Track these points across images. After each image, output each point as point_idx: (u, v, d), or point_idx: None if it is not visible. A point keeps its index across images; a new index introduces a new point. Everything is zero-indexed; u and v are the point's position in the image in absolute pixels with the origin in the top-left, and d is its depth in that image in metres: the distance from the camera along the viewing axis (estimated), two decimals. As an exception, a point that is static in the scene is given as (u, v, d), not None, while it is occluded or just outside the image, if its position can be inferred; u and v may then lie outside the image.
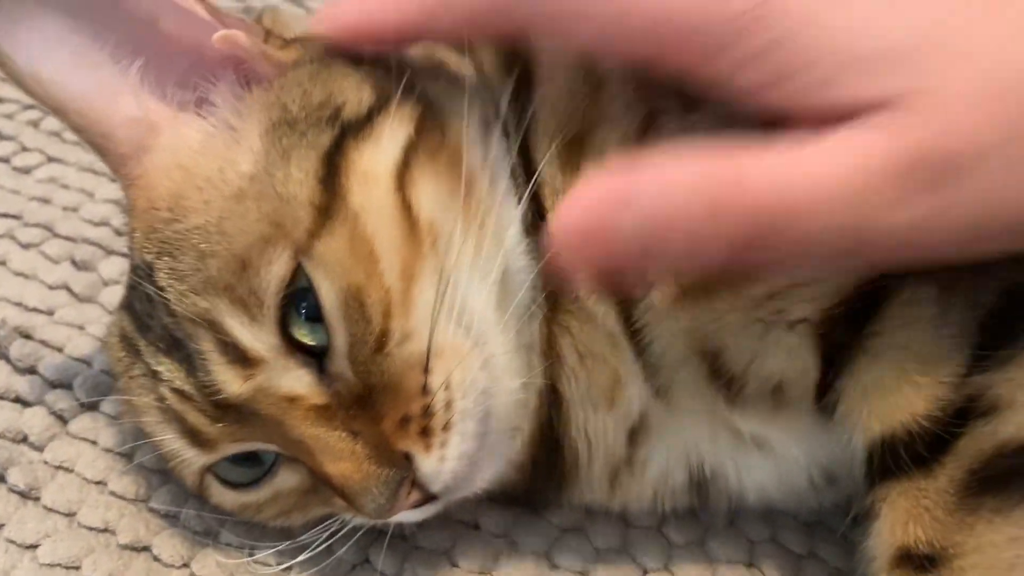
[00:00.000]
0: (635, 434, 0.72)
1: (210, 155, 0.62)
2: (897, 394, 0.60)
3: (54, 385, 0.86)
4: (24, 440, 0.82)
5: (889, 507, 0.60)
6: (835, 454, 0.66)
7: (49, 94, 0.62)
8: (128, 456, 0.81)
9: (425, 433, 0.62)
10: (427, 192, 0.63)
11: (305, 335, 0.61)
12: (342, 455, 0.61)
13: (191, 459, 0.67)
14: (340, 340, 0.60)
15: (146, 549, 0.75)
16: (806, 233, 0.47)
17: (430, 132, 0.64)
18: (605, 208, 0.48)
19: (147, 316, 0.65)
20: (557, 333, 0.69)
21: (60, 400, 0.84)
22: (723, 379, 0.65)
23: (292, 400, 0.61)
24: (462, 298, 0.63)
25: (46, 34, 0.60)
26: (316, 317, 0.60)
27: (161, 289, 0.62)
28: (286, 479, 0.68)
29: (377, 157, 0.62)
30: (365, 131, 0.62)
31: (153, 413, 0.67)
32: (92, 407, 0.85)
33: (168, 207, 0.62)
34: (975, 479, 0.58)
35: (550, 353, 0.70)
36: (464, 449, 0.63)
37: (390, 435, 0.61)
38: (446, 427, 0.62)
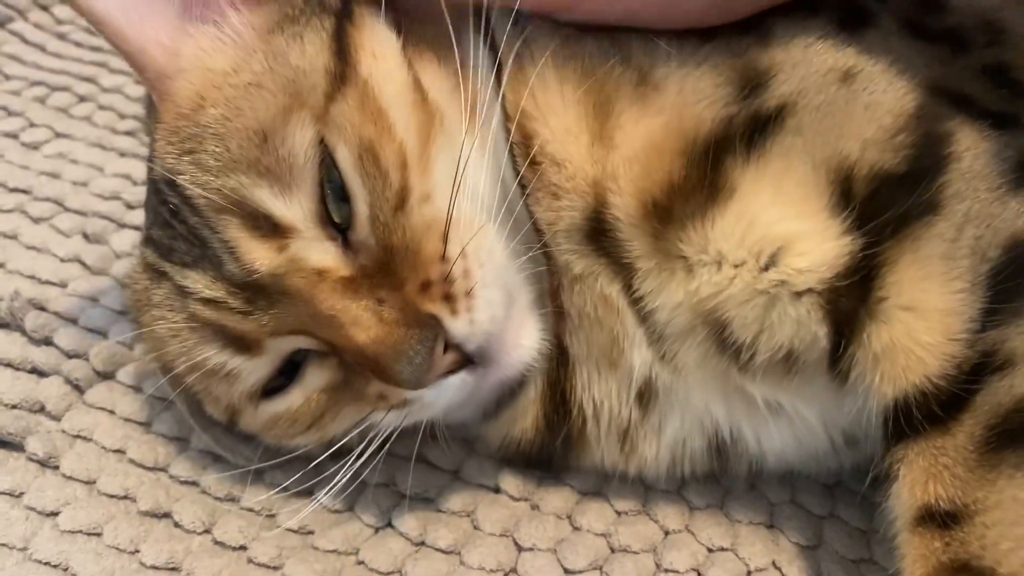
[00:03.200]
0: (644, 398, 0.71)
1: (225, 58, 0.66)
2: (908, 356, 0.60)
3: (70, 356, 0.85)
4: (41, 410, 0.81)
5: (907, 468, 0.60)
6: (853, 417, 0.66)
7: (89, 6, 0.65)
8: (146, 425, 0.81)
9: (448, 299, 0.62)
10: (428, 71, 0.66)
11: (332, 211, 0.62)
12: (371, 323, 0.61)
13: (239, 368, 0.67)
14: (361, 203, 0.62)
15: (166, 515, 0.75)
16: None
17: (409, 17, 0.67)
18: None
19: (170, 238, 0.66)
20: (560, 286, 0.69)
21: (76, 370, 0.84)
22: (732, 348, 0.65)
23: (321, 274, 0.62)
24: (473, 178, 0.64)
25: None
26: (340, 196, 0.62)
27: (184, 189, 0.63)
28: (315, 378, 0.68)
29: (377, 36, 0.65)
30: (354, 15, 0.66)
31: (186, 335, 0.67)
32: (108, 376, 0.85)
33: (190, 106, 0.64)
34: (994, 434, 0.58)
35: (555, 303, 0.70)
36: (492, 313, 0.64)
37: (414, 298, 0.62)
38: (469, 294, 0.63)
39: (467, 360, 0.65)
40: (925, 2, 0.73)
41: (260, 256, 0.62)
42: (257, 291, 0.63)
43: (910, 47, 0.66)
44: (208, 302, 0.64)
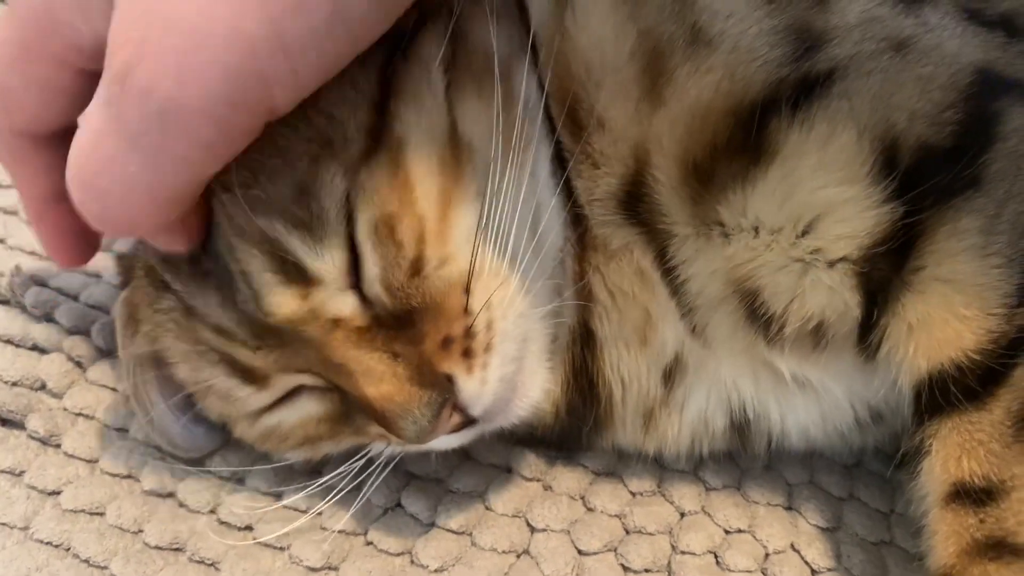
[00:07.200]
0: (671, 374, 0.70)
1: None
2: (944, 329, 0.58)
3: (71, 332, 0.83)
4: (42, 387, 0.79)
5: (940, 443, 0.59)
6: (881, 392, 0.65)
7: None
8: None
9: (467, 354, 0.60)
10: (469, 112, 0.62)
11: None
12: (383, 377, 0.59)
13: (245, 399, 0.65)
14: (371, 265, 0.59)
15: (171, 495, 0.73)
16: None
17: (463, 51, 0.63)
18: None
19: None
20: (587, 271, 0.68)
21: (78, 347, 0.82)
22: (762, 319, 0.64)
23: (336, 322, 0.60)
24: (499, 224, 0.62)
25: None
26: None
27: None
28: (312, 407, 0.66)
29: (425, 75, 0.60)
30: (412, 46, 0.61)
31: (192, 358, 0.65)
32: (111, 354, 0.82)
33: None
34: None
35: (582, 293, 0.68)
36: (504, 372, 0.62)
37: (432, 356, 0.60)
38: (487, 348, 0.61)
39: (470, 421, 0.63)
40: None
41: (282, 301, 0.59)
42: (267, 329, 0.61)
43: (966, 29, 0.65)
44: (216, 329, 0.62)
